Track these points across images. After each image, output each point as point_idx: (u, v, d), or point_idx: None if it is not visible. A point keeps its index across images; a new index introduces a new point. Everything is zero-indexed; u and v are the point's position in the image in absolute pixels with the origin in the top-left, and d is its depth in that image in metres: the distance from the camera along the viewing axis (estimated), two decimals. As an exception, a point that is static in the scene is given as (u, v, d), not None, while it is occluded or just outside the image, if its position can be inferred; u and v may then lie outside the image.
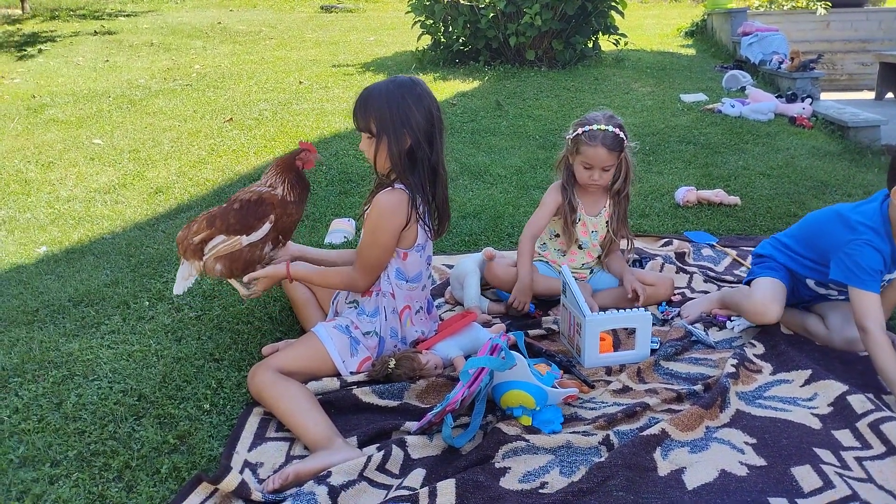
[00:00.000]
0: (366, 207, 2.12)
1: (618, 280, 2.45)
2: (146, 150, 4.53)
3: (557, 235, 2.45)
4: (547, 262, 2.50)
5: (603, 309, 2.35)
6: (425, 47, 7.73)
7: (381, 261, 2.01)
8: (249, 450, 1.73)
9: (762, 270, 2.19)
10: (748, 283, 2.22)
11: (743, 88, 6.12)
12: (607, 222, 2.42)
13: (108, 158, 4.34)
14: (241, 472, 1.64)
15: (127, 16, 10.70)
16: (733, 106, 5.25)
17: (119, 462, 1.68)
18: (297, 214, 2.09)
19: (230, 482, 1.51)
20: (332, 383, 1.93)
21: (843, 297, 2.10)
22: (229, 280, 2.08)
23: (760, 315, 2.06)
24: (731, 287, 2.49)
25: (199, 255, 2.04)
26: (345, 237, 3.03)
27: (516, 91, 6.22)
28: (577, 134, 2.28)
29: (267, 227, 2.00)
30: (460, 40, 7.38)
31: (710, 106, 5.40)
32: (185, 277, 2.11)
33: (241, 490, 1.52)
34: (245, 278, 2.05)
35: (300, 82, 6.71)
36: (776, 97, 5.52)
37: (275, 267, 2.05)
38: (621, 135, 2.27)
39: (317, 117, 5.24)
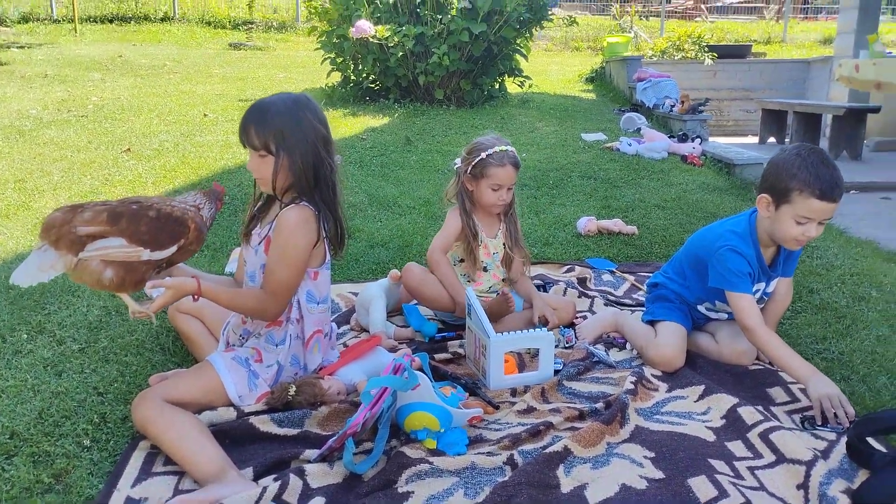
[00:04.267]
0: (255, 228, 2.03)
1: (522, 301, 2.48)
2: (33, 179, 4.27)
3: (462, 261, 2.46)
4: None
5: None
6: (335, 84, 7.74)
7: (292, 283, 1.90)
8: (133, 485, 1.60)
9: (662, 310, 2.26)
10: (650, 323, 2.28)
11: (639, 129, 6.44)
12: (504, 243, 2.46)
13: (-10, 188, 4.06)
14: (123, 508, 1.52)
15: (20, 47, 10.18)
16: (630, 144, 5.50)
17: (-16, 505, 1.52)
18: (197, 248, 1.86)
19: (108, 520, 1.40)
20: (227, 413, 1.83)
21: (729, 317, 2.20)
22: (117, 293, 1.79)
23: (665, 365, 2.11)
24: (630, 311, 2.57)
25: (77, 249, 1.66)
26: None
27: (425, 128, 6.30)
28: (482, 158, 2.31)
29: (173, 250, 1.74)
30: (370, 78, 7.44)
31: (609, 144, 5.63)
32: (41, 269, 1.67)
33: (121, 528, 1.40)
34: (148, 285, 1.77)
35: (205, 115, 6.55)
36: (669, 137, 5.83)
37: (182, 280, 1.80)
38: (516, 152, 2.35)
39: (221, 149, 5.11)
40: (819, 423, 1.81)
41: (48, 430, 1.80)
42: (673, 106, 6.89)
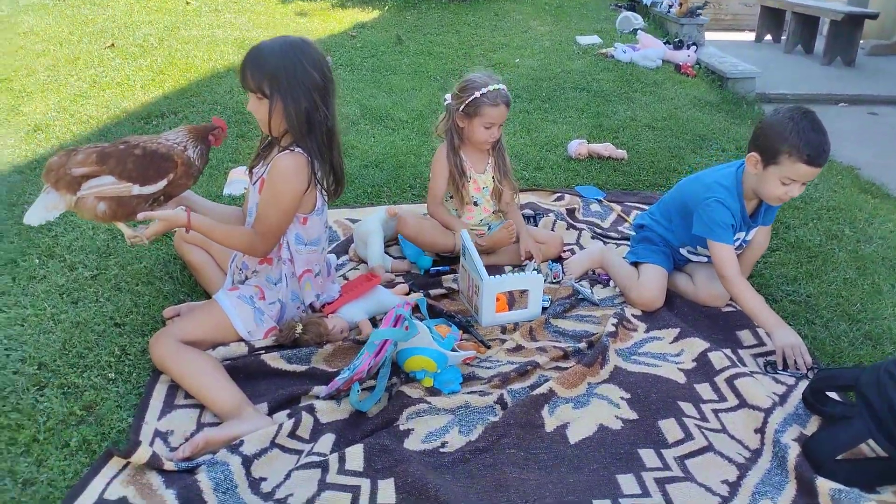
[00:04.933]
0: (256, 166, 2.10)
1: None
2: (20, 79, 4.20)
3: (451, 197, 2.54)
4: None
5: (500, 268, 2.52)
6: (322, -31, 7.41)
7: (281, 226, 1.99)
8: (159, 418, 1.76)
9: (646, 252, 2.38)
10: (634, 264, 2.41)
11: (635, 31, 6.32)
12: (493, 177, 2.54)
13: (-24, 89, 4.00)
14: (152, 441, 1.69)
15: None
16: (625, 52, 5.44)
17: (26, 436, 1.67)
18: (192, 182, 1.98)
19: (141, 455, 1.55)
20: (240, 348, 1.97)
21: (708, 261, 2.34)
22: (113, 222, 1.92)
23: (646, 306, 2.25)
24: (615, 244, 2.70)
25: (74, 188, 1.82)
26: (245, 188, 2.99)
27: (417, 24, 6.14)
28: (476, 97, 2.34)
29: (163, 184, 1.87)
30: (359, -36, 7.12)
31: (604, 51, 5.56)
32: (48, 208, 1.85)
33: (153, 462, 1.57)
34: (140, 216, 1.89)
35: (187, 2, 6.31)
36: (664, 43, 5.75)
37: (174, 212, 1.89)
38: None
39: (208, 47, 5.00)
40: (780, 369, 2.00)
41: (73, 362, 1.93)
42: (671, 6, 6.72)
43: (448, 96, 2.47)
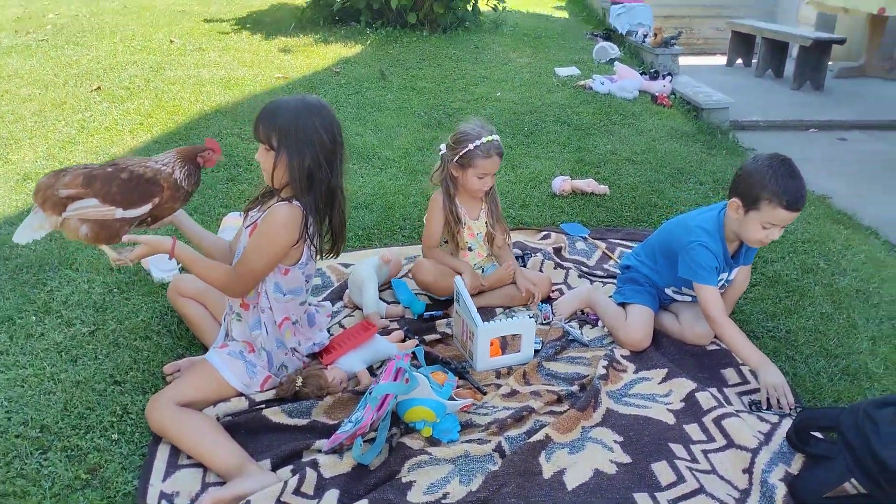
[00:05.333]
0: (253, 209, 2.14)
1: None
2: (6, 125, 4.22)
3: (447, 241, 2.62)
4: None
5: (491, 310, 2.58)
6: (305, 3, 7.53)
7: (262, 272, 2.01)
8: (164, 479, 1.79)
9: (632, 292, 2.46)
10: (621, 304, 2.49)
11: (612, 61, 6.48)
12: (486, 223, 2.62)
13: (-37, 137, 4.02)
14: (159, 502, 1.72)
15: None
16: (603, 83, 5.58)
17: (32, 503, 1.70)
18: (180, 205, 2.01)
19: (151, 520, 1.59)
20: (240, 403, 2.01)
21: (693, 300, 2.42)
22: (95, 244, 1.95)
23: (634, 346, 2.34)
24: (601, 283, 2.78)
25: (60, 209, 1.86)
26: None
27: (399, 58, 6.24)
28: (469, 150, 2.42)
29: (148, 208, 1.91)
30: None
31: (583, 82, 5.69)
32: (34, 228, 1.90)
33: (164, 525, 1.61)
34: (124, 239, 1.92)
35: (171, 41, 6.38)
36: (641, 74, 5.90)
37: (159, 238, 1.97)
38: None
39: (194, 88, 5.05)
40: (765, 408, 2.07)
41: (75, 423, 1.96)
42: (646, 36, 6.90)
43: (443, 146, 2.54)
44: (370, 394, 1.97)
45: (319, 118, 1.97)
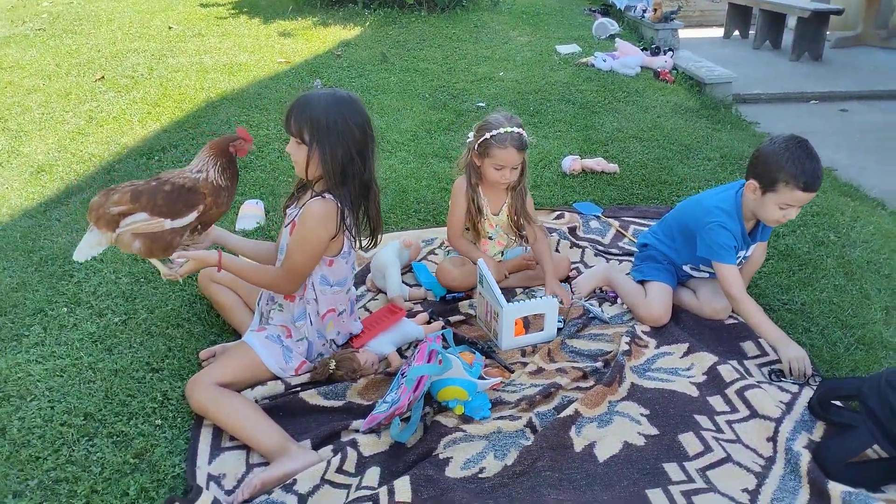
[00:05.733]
0: (290, 206, 2.20)
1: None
2: (14, 117, 4.23)
3: (468, 229, 2.65)
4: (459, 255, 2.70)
5: (511, 290, 2.64)
6: (302, -15, 7.51)
7: (307, 268, 2.09)
8: (209, 462, 1.86)
9: (651, 270, 2.52)
10: (640, 282, 2.54)
11: (612, 37, 6.49)
12: (508, 216, 2.65)
13: (-27, 131, 4.03)
14: (207, 486, 1.78)
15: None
16: (605, 60, 5.59)
17: (84, 487, 1.76)
18: (226, 206, 2.07)
19: (204, 501, 1.65)
20: (276, 386, 2.07)
21: (710, 276, 2.48)
22: (149, 259, 2.04)
23: (654, 322, 2.39)
24: (618, 261, 2.84)
25: (114, 226, 1.95)
26: (257, 223, 3.08)
27: (400, 39, 6.24)
28: (486, 138, 2.44)
29: (194, 216, 1.98)
30: (339, -20, 7.22)
31: (584, 60, 5.71)
32: (91, 246, 2.00)
33: (215, 506, 1.67)
34: (174, 256, 2.01)
35: (169, 27, 6.36)
36: (642, 50, 5.91)
37: (207, 252, 2.04)
38: (525, 135, 2.48)
39: (198, 75, 5.05)
40: (786, 377, 2.14)
41: (117, 410, 2.02)
42: (645, 10, 6.90)
43: (471, 133, 2.55)
44: (403, 375, 2.03)
45: (350, 112, 2.00)
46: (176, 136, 3.97)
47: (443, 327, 2.39)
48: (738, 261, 2.35)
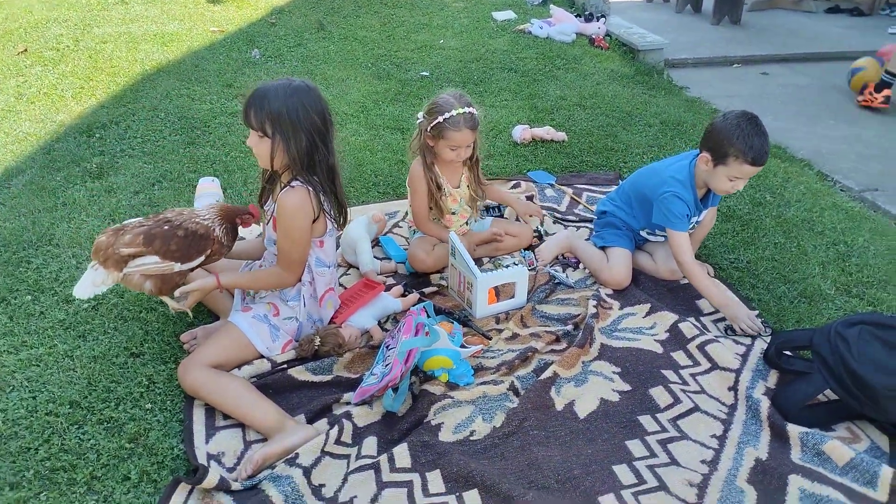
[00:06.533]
0: (266, 202, 2.22)
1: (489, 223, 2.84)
2: (-67, 95, 3.98)
3: (431, 208, 2.69)
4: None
5: (479, 259, 2.73)
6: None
7: (302, 255, 2.13)
8: (206, 442, 1.89)
9: (611, 236, 2.67)
10: (602, 248, 2.68)
11: (545, 2, 6.57)
12: (468, 186, 2.72)
13: None
14: (208, 465, 1.82)
15: None
16: (541, 27, 5.69)
17: (83, 474, 1.76)
18: (223, 255, 2.16)
19: (211, 480, 1.69)
20: (263, 365, 2.11)
21: (665, 240, 2.64)
22: (159, 296, 2.09)
23: (617, 286, 2.54)
24: (576, 228, 2.97)
25: (121, 266, 1.98)
26: (217, 200, 3.04)
27: (334, 6, 6.14)
28: (439, 121, 2.45)
29: (201, 260, 2.05)
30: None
31: (522, 27, 5.78)
32: (96, 284, 2.00)
33: (222, 484, 1.71)
34: (177, 293, 2.07)
35: (89, -6, 6.02)
36: (575, 17, 6.03)
37: (204, 281, 2.08)
38: (476, 113, 2.52)
39: (129, 46, 4.85)
40: (738, 332, 2.33)
41: (103, 397, 2.01)
42: (575, -24, 6.99)
43: (420, 115, 2.57)
44: (388, 348, 2.11)
45: (309, 101, 2.02)
46: (115, 113, 3.84)
47: (419, 300, 2.46)
48: (690, 226, 2.51)
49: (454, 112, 2.44)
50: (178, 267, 2.00)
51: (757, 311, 2.43)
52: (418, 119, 2.58)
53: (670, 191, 2.41)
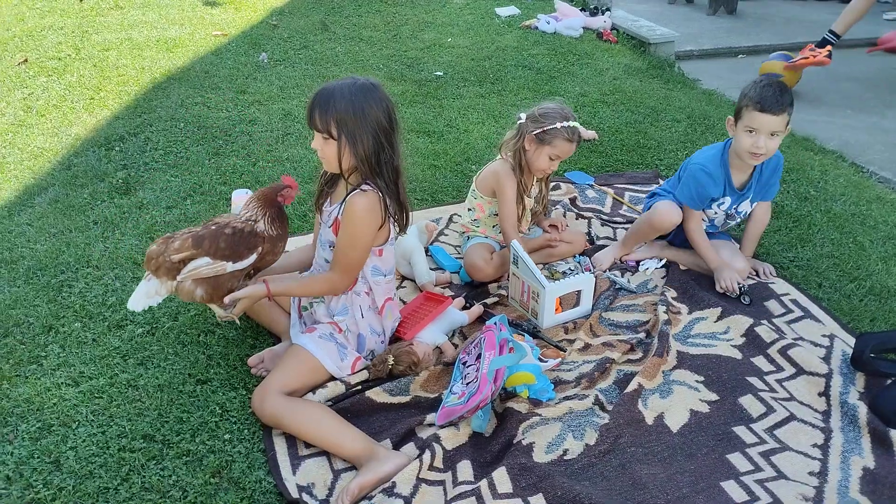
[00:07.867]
0: (324, 203, 2.13)
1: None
2: (-63, 110, 3.81)
3: (495, 214, 2.63)
4: (485, 237, 2.67)
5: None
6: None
7: (360, 262, 2.05)
8: (293, 473, 1.80)
9: (658, 199, 2.68)
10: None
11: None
12: (535, 200, 2.66)
13: None
14: (300, 496, 1.73)
15: None
16: (548, 23, 5.62)
17: (173, 515, 1.68)
18: (279, 255, 2.10)
19: (313, 515, 1.61)
20: (337, 388, 2.02)
21: (720, 237, 2.62)
22: (209, 304, 2.02)
23: (666, 222, 2.55)
24: (625, 230, 2.92)
25: (174, 273, 1.94)
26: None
27: (335, 5, 6.03)
28: (556, 128, 2.40)
29: (254, 258, 1.99)
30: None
31: (528, 22, 5.71)
32: (149, 296, 1.97)
33: (322, 518, 1.63)
34: (226, 299, 1.99)
35: (80, 0, 5.84)
36: (580, 10, 5.97)
37: (253, 287, 2.00)
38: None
39: (132, 53, 4.70)
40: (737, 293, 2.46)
41: (177, 429, 1.91)
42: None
43: (522, 115, 2.48)
44: (464, 364, 2.03)
45: (375, 100, 1.94)
46: (132, 124, 3.70)
47: (484, 312, 2.39)
48: (722, 207, 2.54)
49: (569, 123, 2.43)
50: (230, 267, 1.95)
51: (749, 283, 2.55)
52: (519, 119, 2.50)
53: (698, 164, 2.47)
